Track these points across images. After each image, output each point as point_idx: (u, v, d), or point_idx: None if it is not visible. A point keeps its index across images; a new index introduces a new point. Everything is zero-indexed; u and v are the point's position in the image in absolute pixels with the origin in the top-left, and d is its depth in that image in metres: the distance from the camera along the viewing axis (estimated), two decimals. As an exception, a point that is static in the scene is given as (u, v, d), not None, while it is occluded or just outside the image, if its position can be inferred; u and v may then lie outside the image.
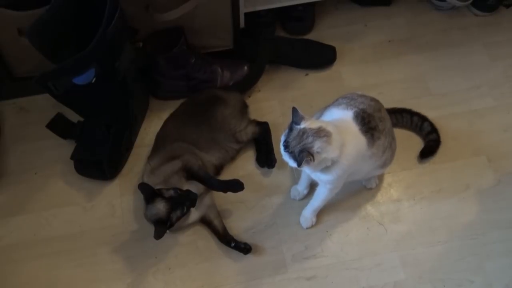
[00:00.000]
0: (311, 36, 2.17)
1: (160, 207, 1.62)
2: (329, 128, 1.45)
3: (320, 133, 1.44)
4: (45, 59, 1.64)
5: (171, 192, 1.65)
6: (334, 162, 1.48)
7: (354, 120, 1.54)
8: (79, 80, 1.64)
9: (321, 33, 2.18)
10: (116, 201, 1.85)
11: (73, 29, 1.66)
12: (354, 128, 1.53)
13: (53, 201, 1.86)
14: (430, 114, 1.96)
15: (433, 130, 1.91)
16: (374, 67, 2.10)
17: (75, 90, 1.66)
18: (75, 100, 1.74)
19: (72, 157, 1.86)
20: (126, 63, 1.77)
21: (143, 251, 1.76)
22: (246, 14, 2.01)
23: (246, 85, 2.03)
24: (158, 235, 1.61)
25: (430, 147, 1.90)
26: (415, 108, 1.94)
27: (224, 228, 1.76)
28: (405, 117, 1.92)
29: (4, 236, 1.80)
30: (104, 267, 1.74)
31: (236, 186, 1.71)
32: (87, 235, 1.80)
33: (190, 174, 1.75)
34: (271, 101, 2.03)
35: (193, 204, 1.66)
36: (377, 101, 1.63)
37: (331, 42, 2.13)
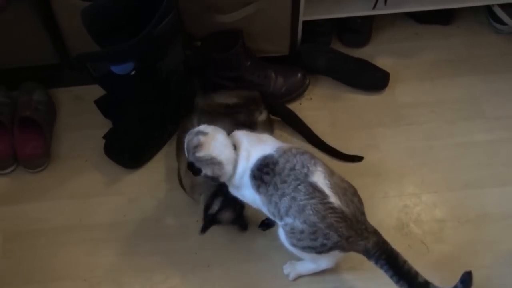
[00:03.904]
0: (366, 49, 2.17)
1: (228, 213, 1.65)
2: (221, 158, 1.47)
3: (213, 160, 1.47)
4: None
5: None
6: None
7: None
8: (117, 69, 1.68)
9: (377, 48, 2.18)
10: (161, 195, 1.88)
11: (128, 19, 1.68)
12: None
13: (100, 189, 1.90)
14: (481, 138, 1.94)
15: None
16: (428, 85, 2.08)
17: (113, 77, 1.69)
18: (112, 86, 1.78)
19: (104, 136, 1.92)
20: (171, 65, 1.79)
21: (183, 246, 1.77)
22: (304, 22, 2.02)
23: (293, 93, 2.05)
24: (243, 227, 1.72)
25: None
26: (466, 129, 1.93)
27: None
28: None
29: (50, 219, 1.84)
30: (145, 258, 1.76)
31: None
32: (130, 225, 1.82)
33: None
34: (321, 110, 2.04)
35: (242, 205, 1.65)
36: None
37: (386, 57, 2.13)
